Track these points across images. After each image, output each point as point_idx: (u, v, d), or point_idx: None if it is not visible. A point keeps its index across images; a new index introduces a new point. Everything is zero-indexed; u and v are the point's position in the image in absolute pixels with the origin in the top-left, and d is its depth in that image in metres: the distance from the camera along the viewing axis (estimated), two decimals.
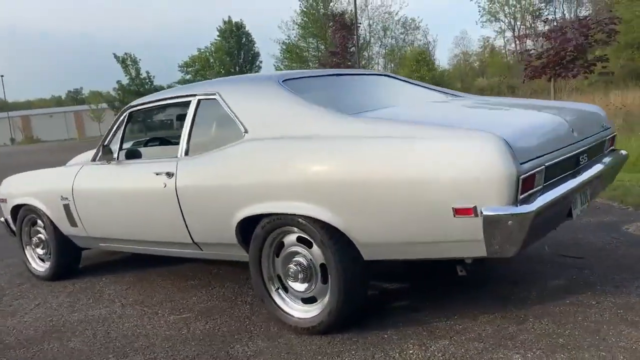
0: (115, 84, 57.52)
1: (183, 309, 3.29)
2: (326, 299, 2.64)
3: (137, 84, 56.06)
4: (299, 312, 2.75)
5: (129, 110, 3.68)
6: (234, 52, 54.41)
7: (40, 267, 4.39)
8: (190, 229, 3.13)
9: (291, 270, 2.71)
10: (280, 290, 2.84)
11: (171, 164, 3.17)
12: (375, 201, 2.32)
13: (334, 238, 2.50)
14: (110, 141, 3.74)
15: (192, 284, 3.79)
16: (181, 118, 3.33)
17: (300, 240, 2.69)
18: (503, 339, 2.40)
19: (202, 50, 54.05)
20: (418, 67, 25.94)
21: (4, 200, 4.56)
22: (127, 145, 3.89)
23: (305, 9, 38.97)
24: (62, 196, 3.91)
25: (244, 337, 2.77)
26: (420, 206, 2.22)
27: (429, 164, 2.19)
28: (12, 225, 4.62)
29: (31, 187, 4.24)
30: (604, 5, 40.50)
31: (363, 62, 25.46)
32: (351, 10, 35.47)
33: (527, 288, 3.01)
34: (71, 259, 4.31)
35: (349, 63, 32.56)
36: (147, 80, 57.25)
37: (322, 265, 2.63)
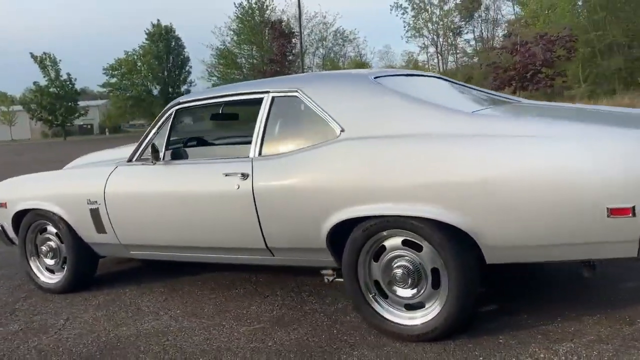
0: (32, 85, 54.31)
1: (248, 320, 3.08)
2: (436, 304, 2.54)
3: (58, 85, 53.26)
4: (403, 319, 2.63)
5: (175, 107, 3.41)
6: (162, 56, 52.95)
7: (49, 279, 3.98)
8: (266, 234, 2.93)
9: (397, 275, 2.59)
10: (377, 297, 2.71)
11: (245, 165, 2.96)
12: (512, 203, 2.26)
13: (453, 240, 2.42)
14: (152, 140, 3.46)
15: (237, 292, 3.57)
16: (247, 116, 3.13)
17: (405, 243, 2.59)
18: (626, 340, 2.41)
19: (129, 53, 52.12)
20: None
21: (2, 205, 4.10)
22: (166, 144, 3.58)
23: (240, 16, 38.56)
24: (89, 200, 3.56)
25: (343, 346, 2.61)
26: (567, 207, 2.18)
27: (577, 164, 2.17)
28: (9, 233, 4.17)
29: (45, 190, 3.84)
30: (518, 27, 43.43)
31: (304, 70, 25.47)
32: (287, 19, 35.57)
33: (611, 287, 3.06)
34: (88, 269, 3.95)
35: (288, 71, 32.60)
36: (68, 83, 54.55)
37: (433, 270, 2.53)
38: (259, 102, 3.09)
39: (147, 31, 52.76)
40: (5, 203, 4.06)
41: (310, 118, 2.87)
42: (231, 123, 4.03)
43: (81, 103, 56.77)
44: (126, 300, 3.61)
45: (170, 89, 53.81)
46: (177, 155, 3.46)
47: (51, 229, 3.91)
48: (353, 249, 2.67)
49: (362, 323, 2.85)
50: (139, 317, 3.28)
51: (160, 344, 2.86)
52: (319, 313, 3.08)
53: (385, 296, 2.69)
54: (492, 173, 2.29)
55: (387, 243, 2.64)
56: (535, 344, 2.44)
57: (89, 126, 68.16)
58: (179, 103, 3.42)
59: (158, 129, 3.46)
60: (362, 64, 27.20)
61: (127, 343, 2.91)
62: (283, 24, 34.45)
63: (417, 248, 2.56)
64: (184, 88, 55.85)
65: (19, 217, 4.01)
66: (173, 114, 3.41)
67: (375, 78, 2.87)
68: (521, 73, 11.34)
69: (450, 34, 54.21)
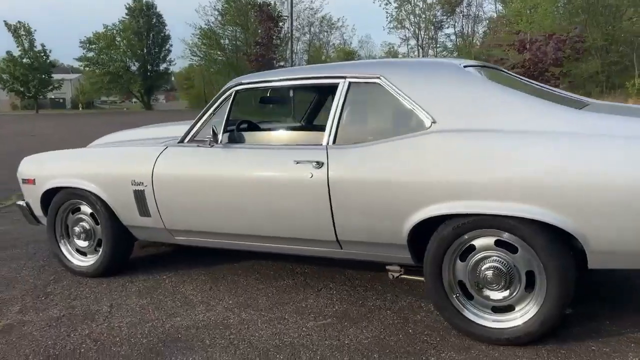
0: (4, 54, 52.54)
1: (311, 314, 2.95)
2: (530, 308, 2.45)
3: (31, 57, 51.64)
4: (488, 321, 2.53)
5: (236, 88, 3.23)
6: (142, 33, 51.79)
7: (81, 261, 3.77)
8: (338, 226, 2.80)
9: (488, 277, 2.49)
10: (461, 298, 2.60)
11: (318, 153, 2.81)
12: (624, 206, 2.18)
13: (556, 243, 2.33)
14: (207, 121, 3.27)
15: (287, 284, 3.43)
16: (318, 101, 2.98)
17: (498, 243, 2.49)
18: None
19: (108, 28, 50.78)
20: None
21: (29, 182, 3.87)
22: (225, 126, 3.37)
23: None
24: (134, 181, 3.37)
25: (426, 348, 2.51)
26: None
27: None
28: (36, 211, 3.94)
29: (83, 168, 3.62)
30: (499, 23, 43.83)
31: (293, 56, 25.14)
32: (274, 2, 35.07)
33: None
34: (125, 252, 3.75)
35: (275, 56, 32.23)
36: (42, 54, 52.92)
37: (528, 272, 2.44)
38: (331, 87, 2.94)
39: (127, 6, 51.49)
40: (34, 179, 3.83)
41: (393, 107, 2.74)
42: (316, 107, 3.87)
43: (55, 76, 55.14)
44: (168, 288, 3.44)
45: (149, 67, 52.76)
46: (234, 138, 3.28)
47: (86, 209, 3.70)
48: (439, 246, 2.56)
49: (436, 323, 2.76)
50: (190, 307, 3.12)
51: (225, 337, 2.71)
52: (384, 310, 2.97)
53: (469, 297, 2.59)
54: (604, 174, 2.20)
55: (477, 242, 2.53)
56: (632, 353, 2.38)
57: (61, 100, 66.31)
58: (241, 83, 3.24)
59: (215, 109, 3.27)
60: (350, 53, 26.98)
61: (188, 335, 2.75)
62: (270, 6, 33.91)
63: (512, 249, 2.46)
64: (163, 66, 54.86)
65: (49, 196, 3.79)
66: (233, 94, 3.23)
67: (464, 67, 2.75)
68: (530, 71, 11.41)
69: (432, 28, 54.28)
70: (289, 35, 29.40)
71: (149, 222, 3.44)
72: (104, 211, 3.56)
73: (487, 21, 51.16)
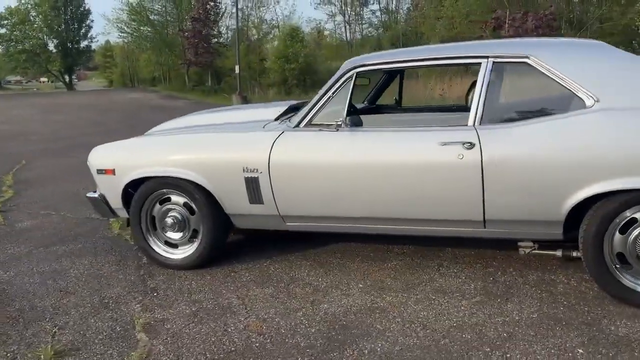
0: None
1: (454, 293, 2.99)
2: None
3: None
4: None
5: (356, 70, 3.16)
6: (60, 7, 48.53)
7: (173, 254, 3.60)
8: (488, 206, 2.85)
9: None
10: (621, 269, 2.73)
11: (467, 133, 2.84)
12: None
13: None
14: (326, 105, 3.20)
15: (399, 264, 3.45)
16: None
17: None
18: None
19: (22, 2, 47.19)
20: (292, 43, 25.79)
21: (107, 172, 3.63)
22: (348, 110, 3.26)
23: None
24: (246, 168, 3.25)
25: (598, 318, 2.62)
26: None
27: None
28: (113, 204, 3.71)
29: (180, 156, 3.43)
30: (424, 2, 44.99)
31: (239, 31, 24.44)
32: None
33: None
34: (224, 242, 3.63)
35: (213, 32, 31.34)
36: None
37: None
38: (471, 66, 2.96)
39: None
40: (113, 170, 3.60)
41: (545, 86, 2.80)
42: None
43: None
44: (281, 276, 3.37)
45: (69, 44, 49.65)
46: (357, 122, 3.22)
47: (177, 198, 3.53)
48: (603, 221, 2.67)
49: (597, 295, 2.86)
50: (324, 293, 3.08)
51: (392, 320, 2.71)
52: (522, 285, 3.05)
53: (628, 267, 2.73)
54: None
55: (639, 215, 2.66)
56: None
57: None
58: (363, 64, 3.18)
59: (334, 92, 3.20)
60: (296, 29, 26.68)
61: (352, 321, 2.72)
62: None
63: None
64: (84, 44, 51.83)
65: (132, 187, 3.58)
66: (354, 76, 3.17)
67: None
68: None
69: (357, 3, 54.50)
70: (223, 10, 28.74)
71: (260, 210, 3.34)
72: (203, 200, 3.41)
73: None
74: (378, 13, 56.23)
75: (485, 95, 2.88)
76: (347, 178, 3.07)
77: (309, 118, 3.24)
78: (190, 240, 3.57)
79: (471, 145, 2.80)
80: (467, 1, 34.98)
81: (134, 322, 2.84)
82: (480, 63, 2.92)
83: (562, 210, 2.73)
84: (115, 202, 3.68)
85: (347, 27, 55.56)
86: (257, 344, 2.56)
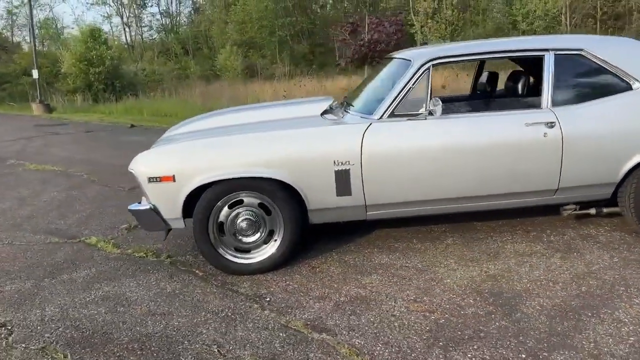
0: None
1: (536, 255, 3.45)
2: None
3: None
4: None
5: (432, 62, 3.42)
6: None
7: (246, 259, 3.43)
8: (563, 175, 3.39)
9: None
10: None
11: (546, 114, 3.34)
12: None
13: None
14: (406, 96, 3.39)
15: (458, 241, 3.81)
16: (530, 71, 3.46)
17: None
18: None
19: None
20: (95, 44, 23.70)
21: (164, 179, 3.30)
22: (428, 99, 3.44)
23: None
24: (336, 161, 3.30)
25: None
26: None
27: None
28: (165, 214, 3.38)
29: (259, 154, 3.29)
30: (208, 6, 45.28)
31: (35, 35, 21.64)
32: None
33: None
34: (300, 239, 3.55)
35: None
36: None
37: None
38: (537, 59, 3.46)
39: None
40: (173, 176, 3.29)
41: (598, 73, 3.43)
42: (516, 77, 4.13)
43: None
44: (357, 265, 3.47)
45: None
46: (444, 109, 3.44)
47: (251, 200, 3.37)
48: None
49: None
50: (451, 269, 3.29)
51: (550, 287, 3.05)
52: (580, 238, 3.65)
53: None
54: None
55: None
56: None
57: None
58: (439, 57, 3.44)
59: (414, 84, 3.41)
60: (97, 30, 24.49)
61: (517, 298, 3.01)
62: None
63: None
64: None
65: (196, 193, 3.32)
66: (430, 68, 3.43)
67: None
68: (373, 51, 12.57)
69: (135, 6, 52.44)
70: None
71: (345, 202, 3.39)
72: (284, 198, 3.33)
73: (192, 1, 52.01)
74: (159, 16, 54.69)
75: (553, 82, 3.41)
76: (439, 162, 3.33)
77: (391, 109, 3.39)
78: (265, 242, 3.43)
79: (552, 124, 3.31)
80: (258, 6, 36.46)
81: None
82: (544, 55, 3.44)
83: (620, 173, 3.39)
84: (172, 212, 3.36)
85: (126, 29, 52.95)
86: (437, 321, 2.70)
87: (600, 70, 3.44)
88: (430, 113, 3.34)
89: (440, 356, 2.40)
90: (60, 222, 4.86)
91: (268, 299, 3.06)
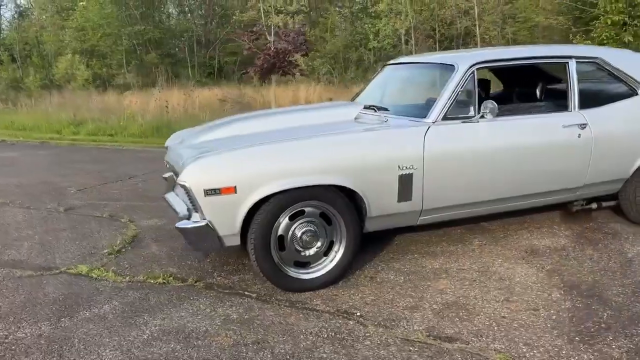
0: None
1: (556, 250, 3.68)
2: None
3: None
4: None
5: (477, 67, 3.47)
6: None
7: (307, 274, 3.18)
8: (589, 173, 3.68)
9: None
10: None
11: (577, 116, 3.62)
12: None
13: None
14: (456, 100, 3.42)
15: (485, 241, 3.93)
16: (546, 76, 3.71)
17: None
18: None
19: None
20: None
21: (225, 191, 2.95)
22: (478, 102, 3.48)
23: None
24: (401, 165, 3.23)
25: None
26: None
27: None
28: (223, 230, 3.02)
29: (324, 160, 3.08)
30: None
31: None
32: None
33: None
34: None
35: None
36: None
37: None
38: (562, 65, 3.72)
39: None
40: (234, 187, 2.95)
41: (611, 79, 3.80)
42: (545, 80, 4.18)
43: None
44: (413, 271, 3.43)
45: None
46: (496, 111, 3.49)
47: (313, 210, 3.14)
48: None
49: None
50: (528, 260, 3.36)
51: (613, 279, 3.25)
52: (589, 231, 3.97)
53: None
54: None
55: None
56: None
57: None
58: (481, 62, 3.51)
59: (462, 87, 3.44)
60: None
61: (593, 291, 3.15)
62: None
63: None
64: None
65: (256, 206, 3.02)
66: (475, 72, 3.50)
67: None
68: (280, 59, 12.07)
69: None
70: None
71: (405, 207, 3.31)
72: (346, 206, 3.16)
73: (15, 5, 47.20)
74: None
75: (577, 86, 3.69)
76: (494, 164, 3.43)
77: (444, 112, 3.38)
78: (325, 254, 3.22)
79: (584, 126, 3.58)
80: (101, 13, 33.90)
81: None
82: (568, 62, 3.71)
83: (632, 169, 3.79)
84: (231, 227, 2.99)
85: None
86: (550, 317, 2.76)
87: (612, 76, 3.81)
88: (482, 115, 3.41)
89: (587, 350, 2.44)
90: (12, 252, 4.05)
91: (358, 314, 2.86)
